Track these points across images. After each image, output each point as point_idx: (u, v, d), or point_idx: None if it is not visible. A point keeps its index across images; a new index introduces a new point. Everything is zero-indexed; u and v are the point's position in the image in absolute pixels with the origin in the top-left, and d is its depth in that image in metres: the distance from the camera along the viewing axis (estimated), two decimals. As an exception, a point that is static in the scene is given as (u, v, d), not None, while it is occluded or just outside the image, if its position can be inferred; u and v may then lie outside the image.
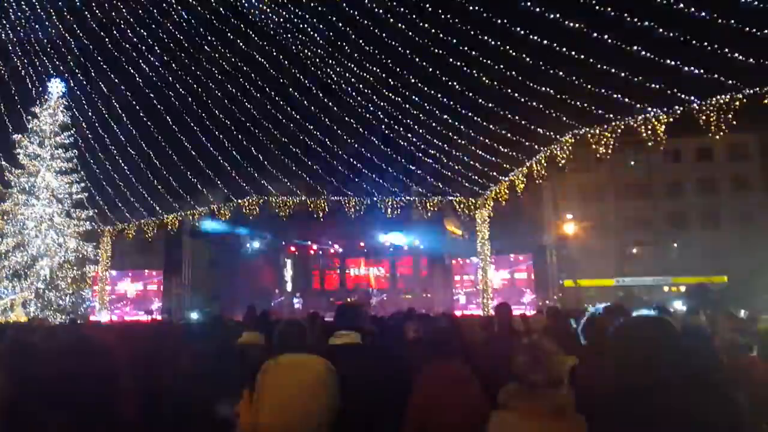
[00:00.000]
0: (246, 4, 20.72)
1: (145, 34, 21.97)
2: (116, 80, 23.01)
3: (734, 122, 14.25)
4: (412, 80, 18.57)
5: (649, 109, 15.67)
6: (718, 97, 14.31)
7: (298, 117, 21.43)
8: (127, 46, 22.38)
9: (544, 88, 16.13)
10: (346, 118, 21.05)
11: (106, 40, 22.63)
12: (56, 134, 24.26)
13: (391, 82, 18.93)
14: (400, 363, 3.47)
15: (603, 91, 15.12)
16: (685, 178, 42.79)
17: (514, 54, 15.70)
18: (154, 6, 21.68)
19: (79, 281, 24.45)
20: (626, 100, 15.31)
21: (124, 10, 21.90)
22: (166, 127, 23.06)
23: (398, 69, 18.59)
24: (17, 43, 23.34)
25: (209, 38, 21.89)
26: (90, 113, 24.24)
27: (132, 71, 22.59)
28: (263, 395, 1.97)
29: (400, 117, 20.08)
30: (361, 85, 19.81)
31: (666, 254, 42.98)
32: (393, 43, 17.95)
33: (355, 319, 3.20)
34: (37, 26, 22.72)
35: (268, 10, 20.31)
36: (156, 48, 22.22)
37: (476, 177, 21.46)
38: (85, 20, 22.38)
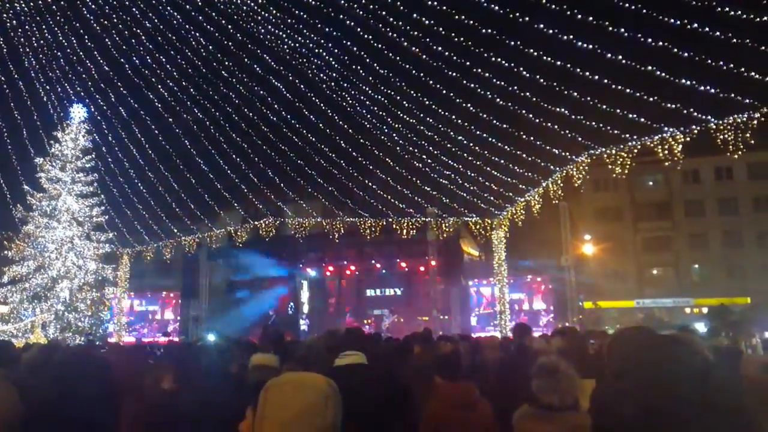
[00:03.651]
0: (263, 30, 21.08)
1: (163, 59, 22.43)
2: (135, 105, 23.49)
3: (752, 141, 14.08)
4: (427, 102, 18.69)
5: (666, 128, 15.56)
6: (736, 116, 14.17)
7: (314, 139, 21.65)
8: (146, 71, 22.86)
9: (558, 109, 16.14)
10: (362, 140, 21.22)
11: (126, 65, 23.16)
12: (77, 158, 24.69)
13: (406, 104, 19.06)
14: (403, 384, 3.46)
15: (618, 111, 15.07)
16: (704, 198, 42.29)
17: (528, 75, 15.75)
18: (172, 32, 22.15)
19: (98, 303, 24.68)
20: (642, 120, 15.24)
21: (143, 37, 22.40)
22: (184, 150, 23.44)
23: (413, 91, 18.74)
24: (39, 69, 23.95)
25: (226, 63, 22.29)
26: (110, 137, 24.74)
27: (151, 96, 23.04)
28: (265, 413, 1.96)
29: (414, 138, 20.19)
30: (375, 108, 19.99)
31: (687, 275, 42.38)
32: (407, 65, 18.12)
33: (360, 340, 3.23)
34: (58, 52, 23.30)
35: (284, 35, 20.65)
36: (174, 73, 22.67)
37: (492, 198, 21.42)
38: (105, 46, 22.93)
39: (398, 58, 18.15)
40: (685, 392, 2.32)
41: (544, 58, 14.95)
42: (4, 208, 24.02)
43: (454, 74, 17.12)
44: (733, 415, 2.38)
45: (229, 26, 21.48)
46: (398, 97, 19.02)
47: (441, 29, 16.41)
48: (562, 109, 16.03)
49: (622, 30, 13.50)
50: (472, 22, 15.61)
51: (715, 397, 2.39)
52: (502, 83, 16.47)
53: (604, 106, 15.09)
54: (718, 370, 3.25)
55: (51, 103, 24.90)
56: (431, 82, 17.98)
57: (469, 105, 17.90)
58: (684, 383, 2.36)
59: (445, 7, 16.05)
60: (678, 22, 12.75)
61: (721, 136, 14.49)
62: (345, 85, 20.26)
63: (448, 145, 19.62)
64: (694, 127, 15.13)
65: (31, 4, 22.32)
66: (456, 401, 3.54)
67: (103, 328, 25.11)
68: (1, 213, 24.39)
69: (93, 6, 22.22)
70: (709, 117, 14.56)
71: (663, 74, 13.59)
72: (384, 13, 17.44)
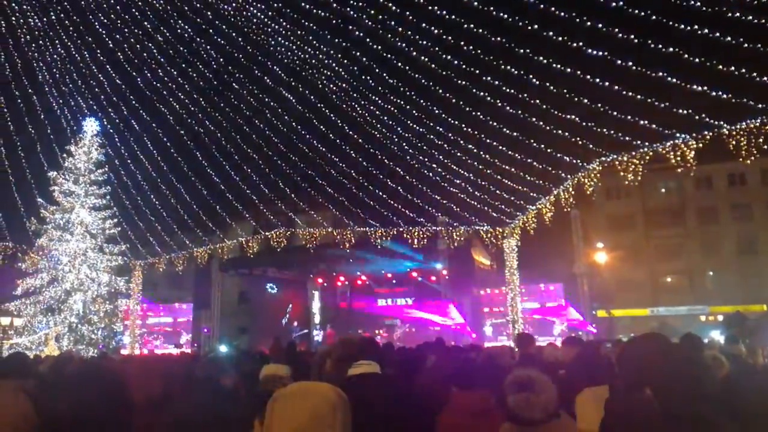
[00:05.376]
0: (273, 42, 21.23)
1: (174, 72, 22.63)
2: (147, 117, 23.70)
3: (765, 146, 13.95)
4: (437, 111, 18.70)
5: (678, 134, 15.45)
6: (748, 121, 14.05)
7: (324, 149, 21.71)
8: (158, 84, 23.07)
9: (569, 116, 16.07)
10: (372, 150, 21.26)
11: (138, 79, 23.39)
12: (90, 171, 24.91)
13: (416, 113, 19.08)
14: (418, 393, 3.43)
15: (629, 117, 14.98)
16: (718, 204, 41.86)
17: (538, 83, 15.71)
18: (184, 45, 22.38)
19: (111, 315, 24.79)
20: (653, 126, 15.14)
21: (154, 50, 22.63)
22: (196, 162, 23.59)
23: (422, 100, 18.75)
24: (53, 83, 24.24)
25: (237, 75, 22.46)
26: (122, 150, 24.96)
27: (162, 108, 23.25)
28: (272, 424, 1.94)
29: (425, 147, 20.19)
30: (385, 117, 20.03)
31: (701, 283, 41.89)
32: (416, 75, 18.14)
33: (374, 349, 3.21)
34: (71, 66, 23.58)
35: (294, 47, 20.77)
36: (185, 85, 22.85)
37: (503, 206, 21.33)
38: (117, 59, 23.20)
39: (408, 67, 18.21)
40: (709, 397, 2.27)
41: (554, 65, 14.93)
42: (19, 221, 24.27)
43: (464, 83, 17.13)
44: (761, 420, 2.33)
45: (240, 39, 21.68)
46: (408, 107, 19.07)
47: (450, 38, 16.44)
48: (573, 117, 15.98)
49: (633, 36, 13.44)
50: (481, 30, 15.64)
51: (741, 402, 2.35)
52: (512, 91, 16.46)
53: (615, 113, 15.01)
54: (743, 376, 3.19)
55: (64, 117, 25.21)
56: (441, 90, 18.01)
57: (479, 113, 17.90)
58: (707, 388, 2.31)
59: (454, 16, 16.09)
60: (689, 28, 12.69)
61: (734, 142, 14.37)
62: (355, 95, 20.34)
63: (458, 154, 19.62)
64: (706, 132, 15.02)
65: (45, 19, 22.65)
66: (472, 410, 3.50)
67: (116, 340, 25.20)
68: (15, 226, 24.63)
69: (105, 20, 22.52)
70: (722, 122, 14.45)
71: (674, 80, 13.51)
72: (393, 23, 17.53)
